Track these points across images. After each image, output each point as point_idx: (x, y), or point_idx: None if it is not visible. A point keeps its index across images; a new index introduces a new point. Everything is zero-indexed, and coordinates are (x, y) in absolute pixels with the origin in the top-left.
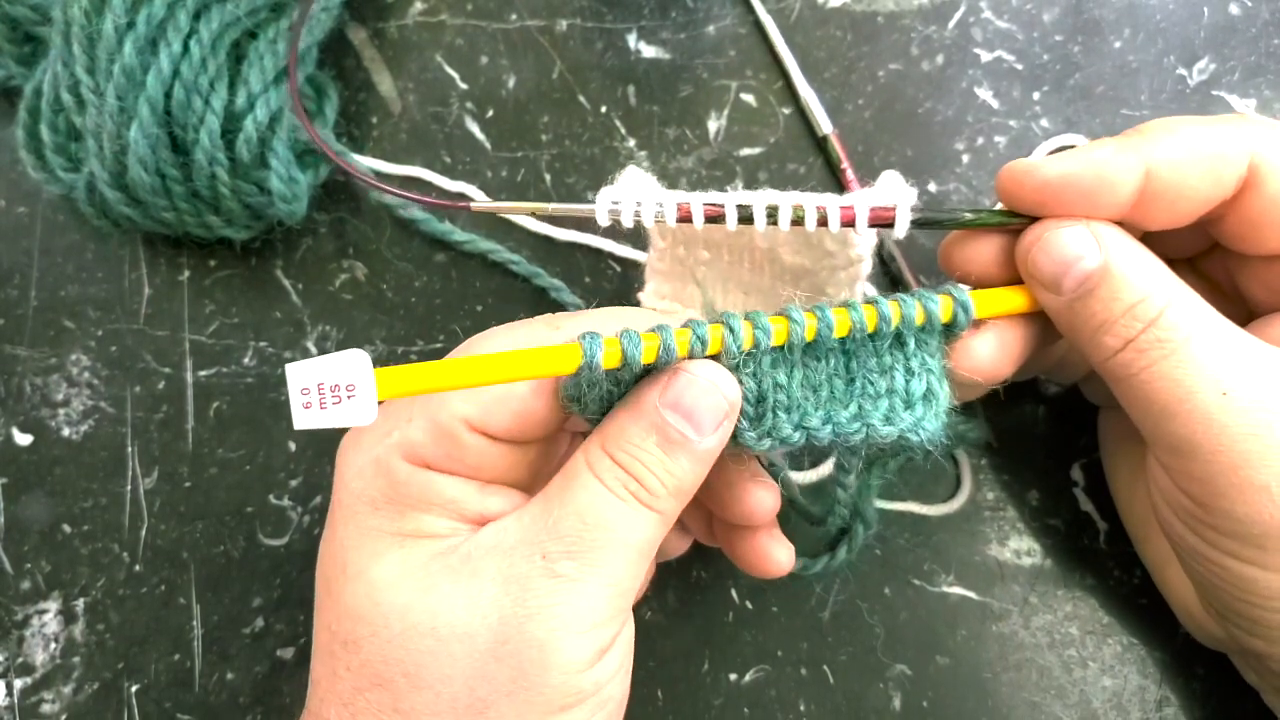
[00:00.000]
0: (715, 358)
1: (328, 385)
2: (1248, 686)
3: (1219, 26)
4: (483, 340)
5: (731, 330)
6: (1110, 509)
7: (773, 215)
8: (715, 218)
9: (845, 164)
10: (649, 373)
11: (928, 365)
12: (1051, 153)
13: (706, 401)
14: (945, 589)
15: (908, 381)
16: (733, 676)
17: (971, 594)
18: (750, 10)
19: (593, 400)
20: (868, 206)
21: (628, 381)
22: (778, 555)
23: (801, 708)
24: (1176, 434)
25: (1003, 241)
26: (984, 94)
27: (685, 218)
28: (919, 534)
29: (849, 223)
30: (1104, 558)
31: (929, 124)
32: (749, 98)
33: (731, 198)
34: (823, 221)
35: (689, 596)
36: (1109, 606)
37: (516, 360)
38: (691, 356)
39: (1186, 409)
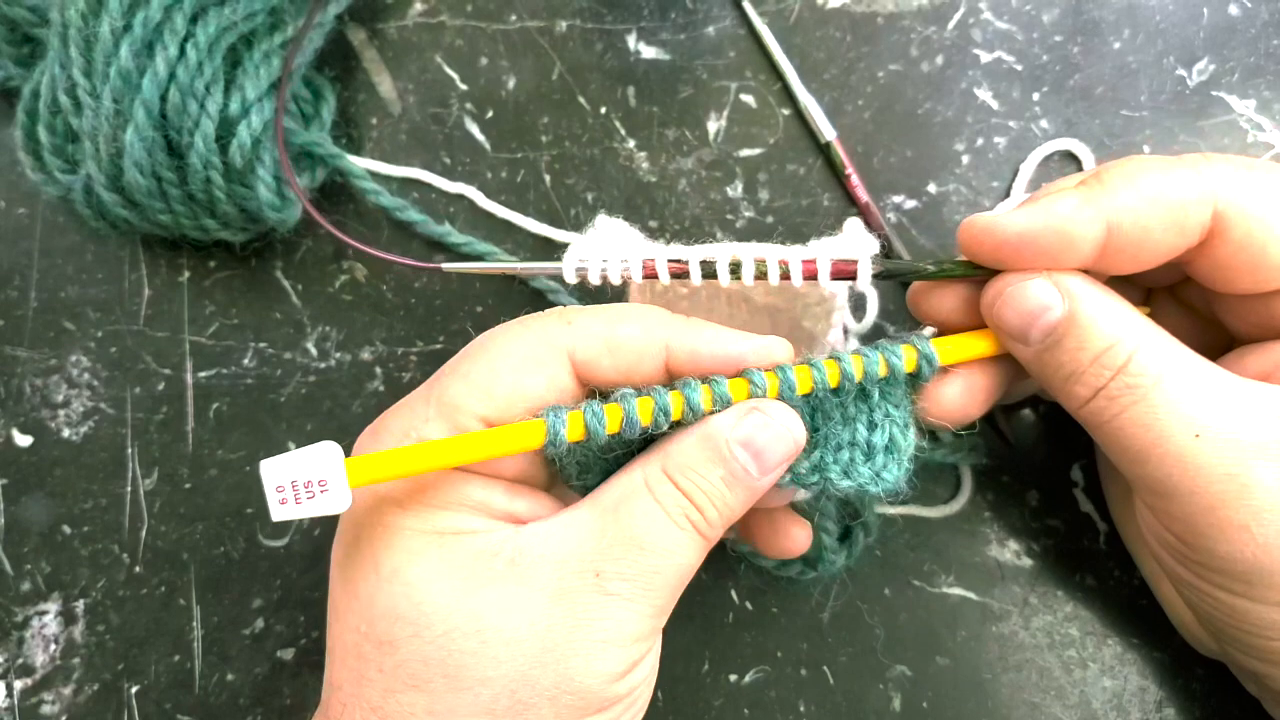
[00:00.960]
0: (678, 423)
1: (300, 482)
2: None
3: (1219, 27)
4: (495, 338)
5: (691, 407)
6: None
7: (736, 270)
8: (680, 274)
9: (849, 169)
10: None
11: (891, 415)
12: (1048, 157)
13: (777, 444)
14: (945, 590)
15: (870, 433)
16: (733, 677)
17: (971, 595)
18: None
19: (570, 465)
20: (829, 260)
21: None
22: (797, 533)
23: (801, 708)
24: (1153, 477)
25: (968, 290)
26: (984, 95)
27: (651, 274)
28: (919, 535)
29: (811, 276)
30: (1104, 558)
31: (929, 125)
32: (749, 99)
33: (695, 252)
34: (785, 275)
35: (689, 597)
36: (1109, 607)
37: (482, 441)
38: (655, 426)
39: (1159, 453)
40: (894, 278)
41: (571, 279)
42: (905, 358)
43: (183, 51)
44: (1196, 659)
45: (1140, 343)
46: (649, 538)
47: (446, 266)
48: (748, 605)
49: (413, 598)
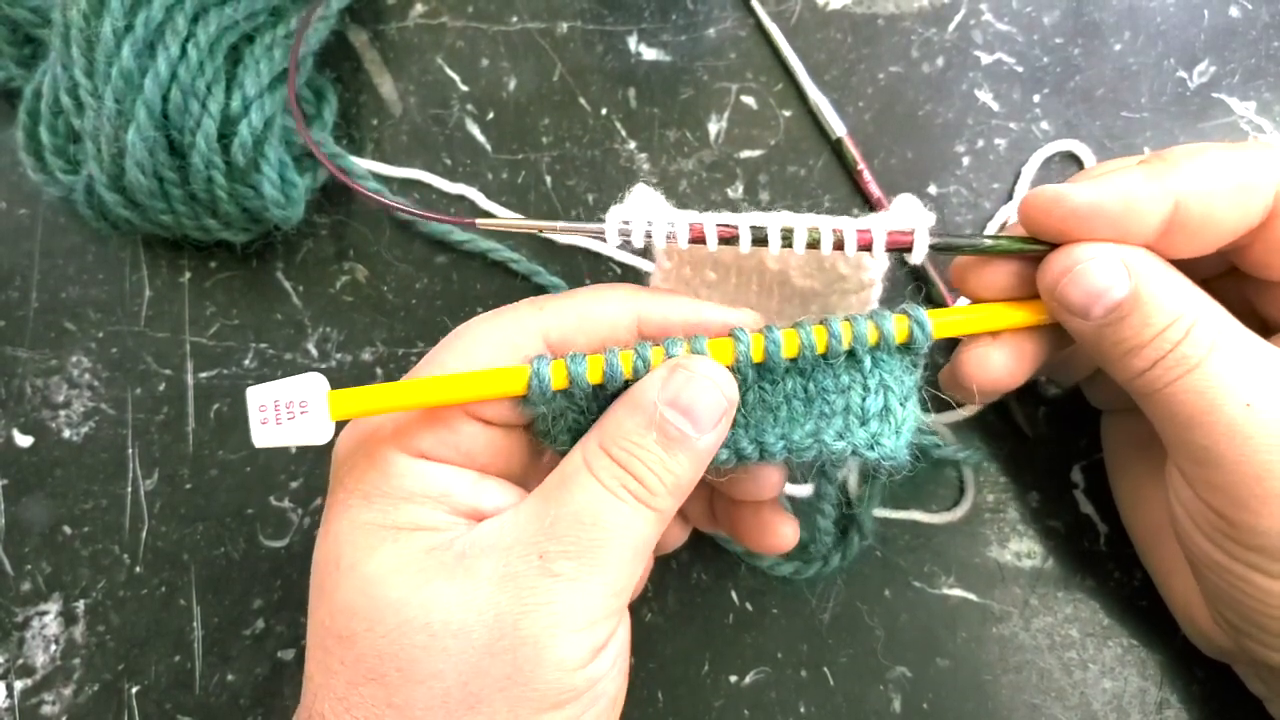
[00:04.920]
0: None
1: (283, 403)
2: (1247, 690)
3: (1219, 29)
4: (469, 328)
5: (671, 357)
6: (1111, 511)
7: (788, 238)
8: (729, 239)
9: (861, 165)
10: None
11: (885, 383)
12: (1049, 159)
13: (705, 398)
14: (945, 591)
15: (863, 398)
16: (733, 678)
17: (972, 596)
18: (750, 13)
19: (560, 432)
20: (885, 230)
21: (594, 412)
22: (784, 529)
23: (802, 710)
24: (1200, 445)
25: (1018, 266)
26: (984, 96)
27: (698, 238)
28: (919, 536)
29: (865, 246)
30: (1104, 560)
31: (929, 126)
32: (749, 100)
33: (745, 219)
34: (839, 245)
35: (689, 598)
36: (1109, 608)
37: (468, 382)
38: (636, 377)
39: (1210, 420)
40: (949, 250)
41: (615, 241)
42: (896, 324)
43: (184, 51)
44: (1197, 660)
45: (1199, 315)
46: (588, 511)
47: (482, 223)
48: (748, 606)
49: (367, 592)
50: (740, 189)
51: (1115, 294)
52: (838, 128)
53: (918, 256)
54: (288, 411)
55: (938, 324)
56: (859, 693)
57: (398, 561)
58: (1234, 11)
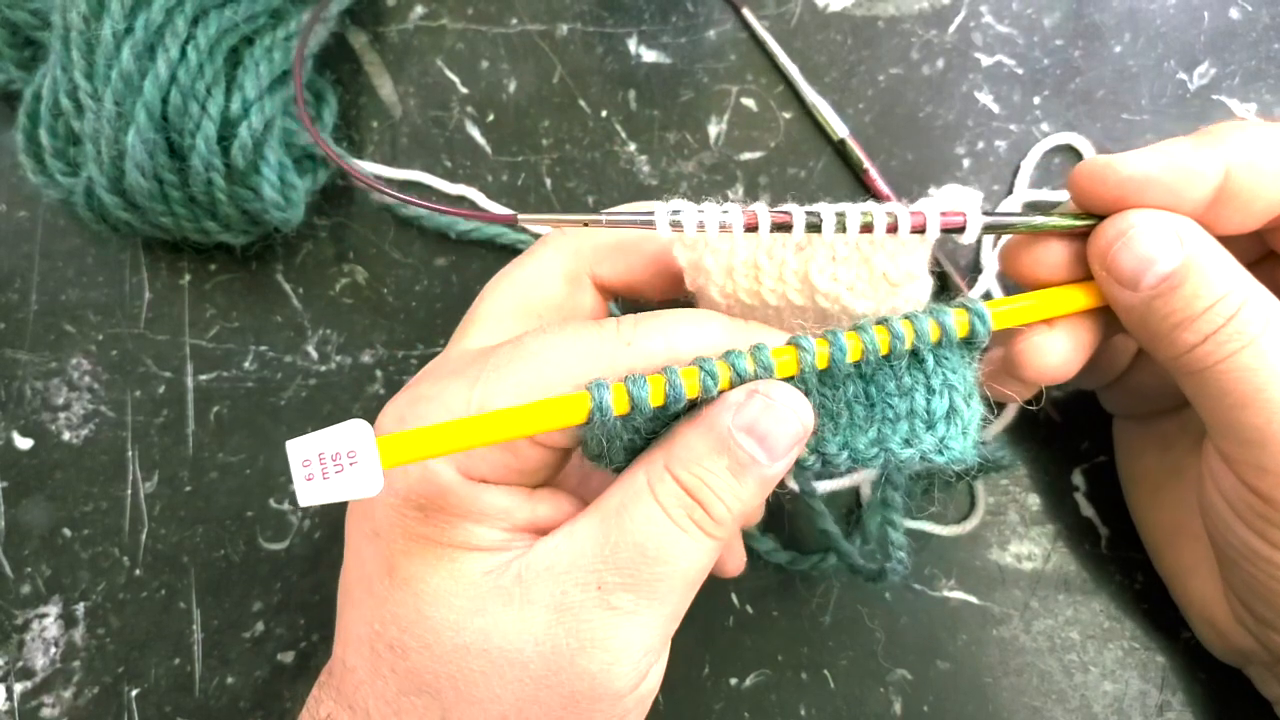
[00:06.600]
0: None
1: (329, 454)
2: (1249, 691)
3: (1219, 31)
4: (551, 345)
5: (737, 372)
6: (1111, 513)
7: (841, 223)
8: (782, 226)
9: (868, 164)
10: (670, 417)
11: (949, 382)
12: (1048, 153)
13: (783, 426)
14: (946, 593)
15: (928, 400)
16: (733, 681)
17: (972, 598)
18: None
19: (616, 453)
20: (938, 210)
21: (647, 431)
22: (731, 563)
23: (802, 712)
24: (1249, 424)
25: (1068, 245)
26: (984, 98)
27: (752, 226)
28: (920, 539)
29: (919, 229)
30: (1105, 562)
31: (930, 128)
32: (749, 102)
33: (798, 208)
34: (893, 228)
35: None
36: (1110, 611)
37: (523, 416)
38: (705, 394)
39: (1263, 399)
40: (1001, 230)
41: (666, 234)
42: (956, 318)
43: (184, 54)
44: (1199, 663)
45: (1250, 294)
46: (651, 544)
47: (523, 218)
48: (748, 609)
49: (423, 610)
50: (740, 191)
51: (1167, 263)
52: (839, 129)
53: (970, 236)
54: (335, 464)
55: (996, 314)
56: (859, 695)
57: (454, 585)
58: (1234, 13)
